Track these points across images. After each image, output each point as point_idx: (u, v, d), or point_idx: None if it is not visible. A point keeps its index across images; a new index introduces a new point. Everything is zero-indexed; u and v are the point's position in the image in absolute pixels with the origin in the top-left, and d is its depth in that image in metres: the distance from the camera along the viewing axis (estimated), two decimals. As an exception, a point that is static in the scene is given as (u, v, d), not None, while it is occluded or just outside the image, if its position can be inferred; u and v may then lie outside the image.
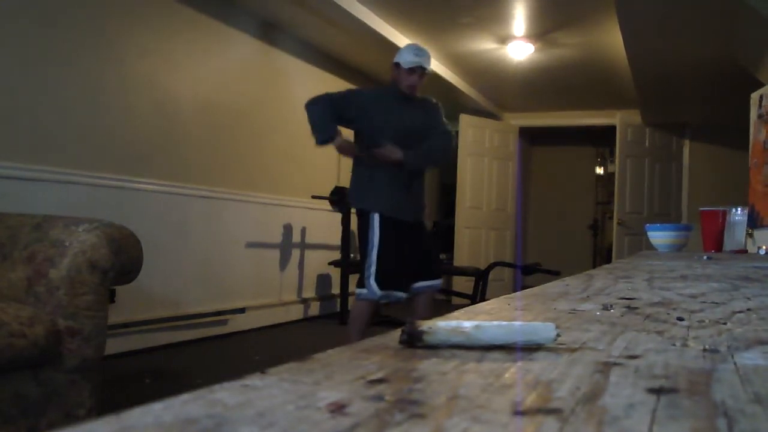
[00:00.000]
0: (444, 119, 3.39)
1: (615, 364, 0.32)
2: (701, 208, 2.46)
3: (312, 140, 3.21)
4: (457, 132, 7.03)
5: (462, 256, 7.24)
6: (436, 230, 7.76)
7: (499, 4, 4.61)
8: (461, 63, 6.07)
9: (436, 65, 6.04)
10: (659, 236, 2.40)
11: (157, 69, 3.90)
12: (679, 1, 3.81)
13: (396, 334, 0.36)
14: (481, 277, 5.79)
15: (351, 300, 5.47)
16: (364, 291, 3.19)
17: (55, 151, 3.24)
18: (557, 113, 8.08)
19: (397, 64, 3.23)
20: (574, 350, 0.35)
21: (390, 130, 3.18)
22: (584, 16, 4.75)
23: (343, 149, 3.24)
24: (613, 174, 7.80)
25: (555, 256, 8.43)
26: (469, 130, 7.34)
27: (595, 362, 0.32)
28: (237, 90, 4.60)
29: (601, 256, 9.05)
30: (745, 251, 2.53)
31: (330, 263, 5.37)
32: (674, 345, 0.37)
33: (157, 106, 3.90)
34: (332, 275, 5.71)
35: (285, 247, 5.17)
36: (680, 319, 0.49)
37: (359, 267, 3.27)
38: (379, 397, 0.24)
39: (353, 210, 3.43)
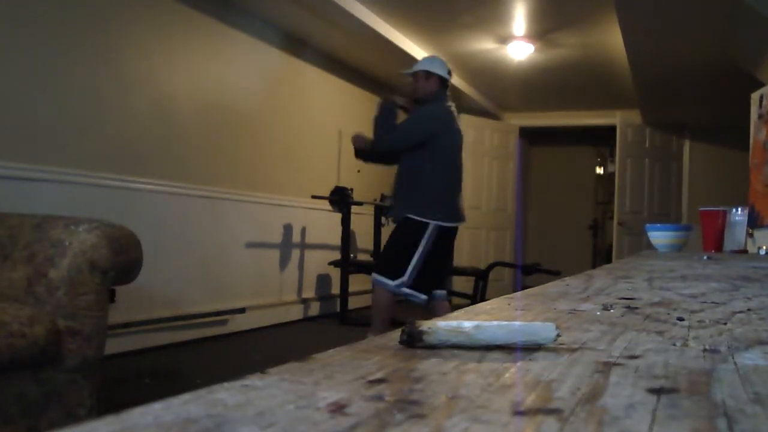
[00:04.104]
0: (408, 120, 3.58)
1: (615, 364, 0.32)
2: (701, 208, 2.46)
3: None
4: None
5: (462, 256, 7.23)
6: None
7: (499, 4, 4.61)
8: (461, 63, 6.07)
9: (436, 65, 6.04)
10: (659, 236, 2.40)
11: (156, 69, 3.90)
12: (679, 1, 3.81)
13: (396, 334, 0.36)
14: (481, 277, 5.79)
15: (351, 300, 5.49)
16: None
17: (55, 151, 3.24)
18: (557, 113, 8.08)
19: (430, 74, 3.50)
20: (574, 350, 0.35)
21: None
22: (584, 16, 4.75)
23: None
24: (613, 174, 7.80)
25: (555, 256, 8.42)
26: (469, 130, 7.31)
27: (595, 362, 0.32)
28: (237, 90, 4.60)
29: (601, 256, 9.04)
30: (745, 251, 2.53)
31: (330, 263, 5.37)
32: (674, 345, 0.37)
33: (157, 106, 3.90)
34: (332, 275, 5.71)
35: (285, 247, 5.17)
36: (680, 319, 0.49)
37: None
38: (379, 397, 0.24)
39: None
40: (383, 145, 3.49)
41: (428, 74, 3.50)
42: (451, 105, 3.55)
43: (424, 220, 3.39)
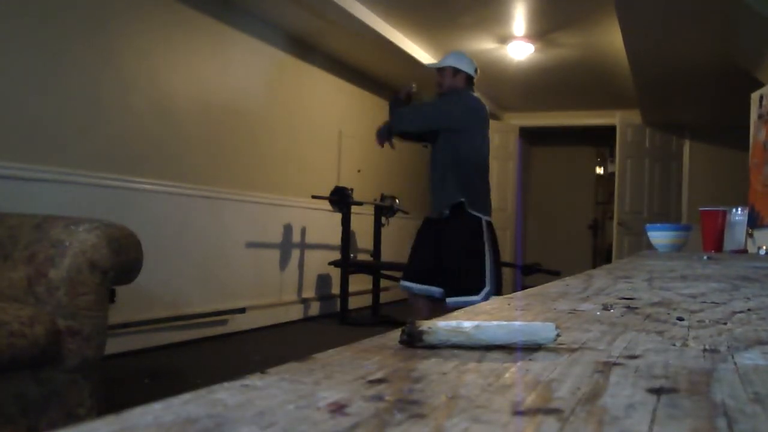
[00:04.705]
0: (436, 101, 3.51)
1: (615, 364, 0.32)
2: (701, 208, 2.46)
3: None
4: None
5: (462, 256, 7.23)
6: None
7: (499, 4, 4.61)
8: (461, 63, 6.07)
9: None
10: (659, 236, 2.40)
11: (156, 69, 3.90)
12: (679, 1, 3.81)
13: (396, 334, 0.36)
14: (481, 277, 5.78)
15: (351, 300, 5.49)
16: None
17: (55, 151, 3.24)
18: (557, 113, 8.08)
19: (458, 70, 3.43)
20: (574, 350, 0.35)
21: None
22: (584, 16, 4.75)
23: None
24: (613, 174, 7.80)
25: (555, 256, 8.42)
26: (469, 130, 7.33)
27: (595, 362, 0.32)
28: (237, 90, 4.60)
29: (601, 256, 9.05)
30: (745, 251, 2.53)
31: (330, 263, 5.37)
32: (674, 345, 0.37)
33: (157, 106, 3.90)
34: (332, 275, 5.71)
35: (285, 247, 5.17)
36: (680, 319, 0.49)
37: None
38: (379, 397, 0.24)
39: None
40: (409, 122, 3.35)
41: (456, 71, 3.40)
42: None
43: (477, 214, 3.17)
